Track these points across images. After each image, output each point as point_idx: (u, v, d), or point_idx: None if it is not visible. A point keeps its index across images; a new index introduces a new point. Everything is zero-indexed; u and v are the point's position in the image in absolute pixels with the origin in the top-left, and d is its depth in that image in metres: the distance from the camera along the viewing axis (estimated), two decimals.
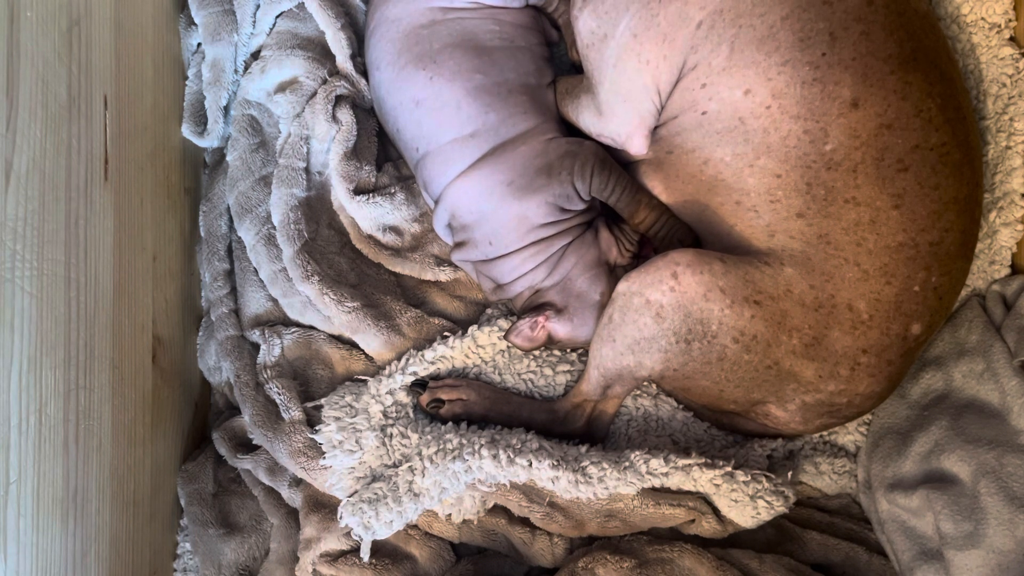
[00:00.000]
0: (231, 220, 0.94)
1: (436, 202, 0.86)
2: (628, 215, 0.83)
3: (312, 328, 0.89)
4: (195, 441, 0.96)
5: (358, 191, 0.90)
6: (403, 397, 0.84)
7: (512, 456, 0.77)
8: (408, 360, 0.85)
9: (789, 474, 0.82)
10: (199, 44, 0.95)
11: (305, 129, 0.90)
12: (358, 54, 0.93)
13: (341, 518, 0.79)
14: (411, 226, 0.92)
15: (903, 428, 0.83)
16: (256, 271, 0.91)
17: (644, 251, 0.87)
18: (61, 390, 0.68)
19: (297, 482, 0.88)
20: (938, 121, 0.69)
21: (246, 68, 0.94)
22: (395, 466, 0.81)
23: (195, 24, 0.94)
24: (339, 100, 0.90)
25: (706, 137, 0.75)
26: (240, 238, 0.92)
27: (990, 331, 0.81)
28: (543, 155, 0.82)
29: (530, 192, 0.81)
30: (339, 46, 0.91)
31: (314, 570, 0.82)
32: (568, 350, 0.89)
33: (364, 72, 0.92)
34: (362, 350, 0.88)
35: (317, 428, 0.82)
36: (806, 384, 0.75)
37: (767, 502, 0.78)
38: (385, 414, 0.83)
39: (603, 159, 0.82)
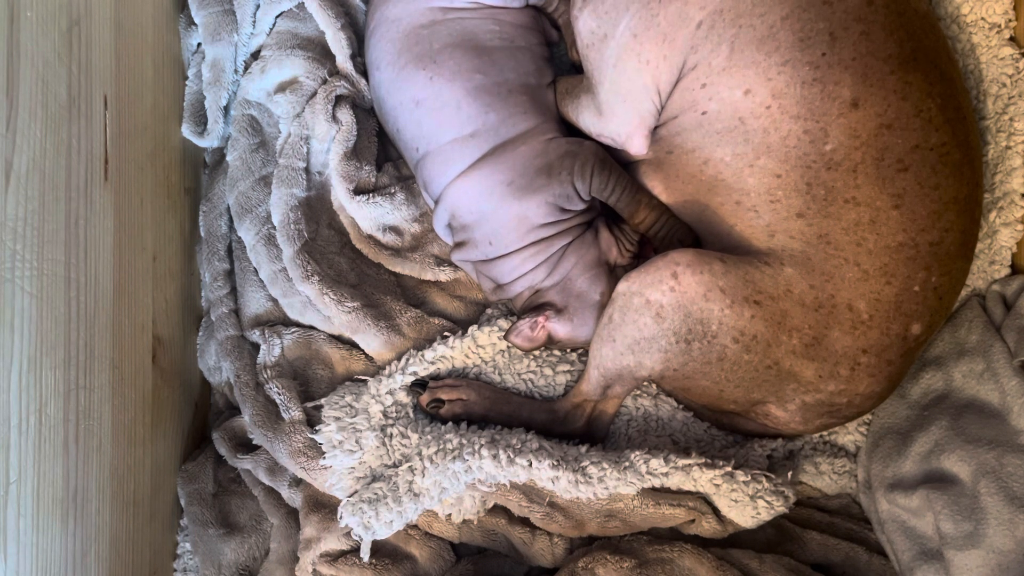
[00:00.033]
0: (231, 220, 0.94)
1: (436, 202, 0.86)
2: (628, 215, 0.83)
3: (312, 328, 0.89)
4: (195, 441, 0.96)
5: (358, 191, 0.90)
6: (403, 397, 0.84)
7: (512, 456, 0.77)
8: (408, 360, 0.85)
9: (789, 474, 0.82)
10: (199, 44, 0.95)
11: (305, 129, 0.90)
12: (358, 54, 0.93)
13: (341, 518, 0.79)
14: (411, 226, 0.92)
15: (903, 428, 0.83)
16: (256, 271, 0.91)
17: (644, 251, 0.87)
18: (61, 390, 0.68)
19: (297, 482, 0.88)
20: (938, 121, 0.69)
21: (246, 68, 0.94)
22: (395, 466, 0.81)
23: (195, 24, 0.94)
24: (339, 100, 0.90)
25: (706, 137, 0.75)
26: (240, 238, 0.92)
27: (990, 331, 0.81)
28: (543, 155, 0.82)
29: (530, 192, 0.81)
30: (339, 46, 0.91)
31: (314, 570, 0.82)
32: (568, 350, 0.89)
33: (364, 72, 0.92)
34: (362, 350, 0.88)
35: (317, 428, 0.82)
36: (806, 384, 0.75)
37: (767, 502, 0.78)
38: (385, 414, 0.83)
39: (603, 159, 0.82)
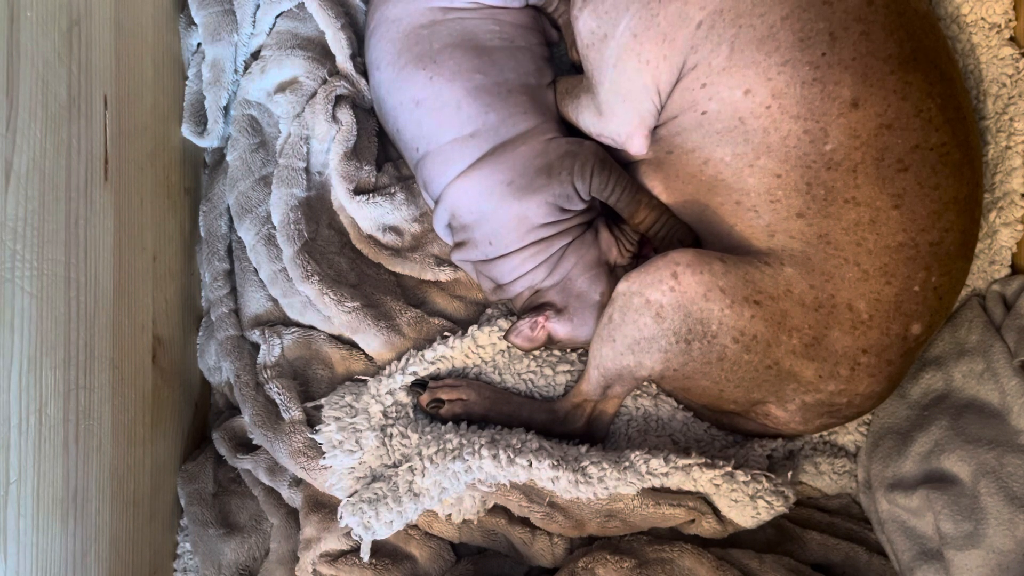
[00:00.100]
0: (231, 220, 0.94)
1: (436, 202, 0.86)
2: (628, 215, 0.83)
3: (312, 328, 0.89)
4: (195, 441, 0.96)
5: (358, 191, 0.90)
6: (403, 397, 0.84)
7: (512, 456, 0.77)
8: (408, 360, 0.85)
9: (789, 474, 0.82)
10: (199, 44, 0.95)
11: (305, 129, 0.90)
12: (358, 54, 0.93)
13: (341, 518, 0.79)
14: (411, 226, 0.92)
15: (903, 428, 0.83)
16: (256, 271, 0.91)
17: (644, 251, 0.87)
18: (61, 390, 0.68)
19: (297, 482, 0.88)
20: (938, 121, 0.69)
21: (246, 68, 0.94)
22: (395, 466, 0.81)
23: (195, 24, 0.94)
24: (339, 100, 0.90)
25: (706, 137, 0.75)
26: (240, 238, 0.92)
27: (990, 331, 0.81)
28: (543, 155, 0.82)
29: (530, 192, 0.81)
30: (339, 46, 0.91)
31: (314, 570, 0.82)
32: (568, 350, 0.89)
33: (364, 72, 0.92)
34: (362, 350, 0.88)
35: (317, 428, 0.82)
36: (806, 384, 0.75)
37: (767, 502, 0.78)
38: (385, 414, 0.83)
39: (603, 159, 0.82)
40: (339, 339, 0.89)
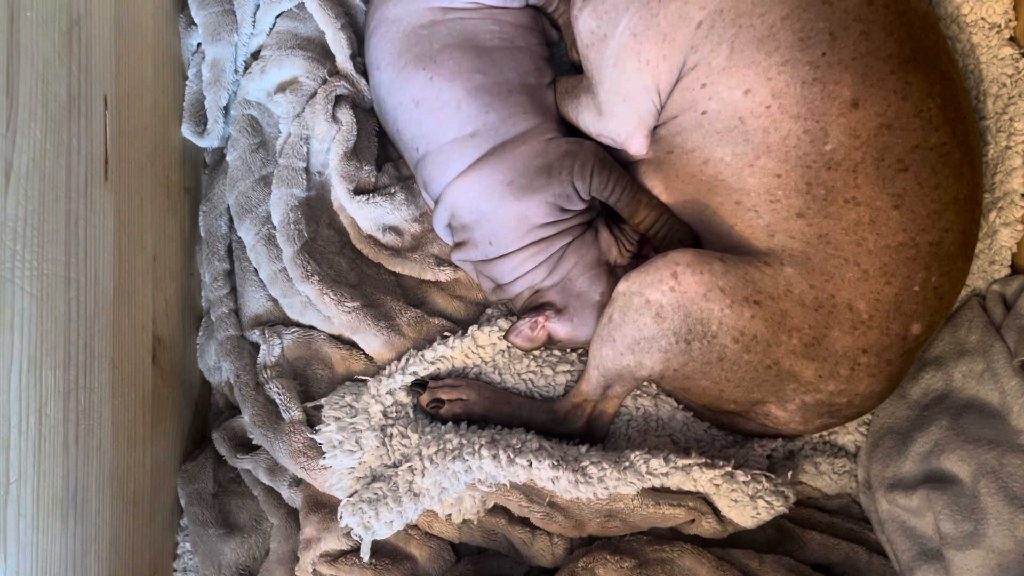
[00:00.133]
0: (231, 220, 0.94)
1: (436, 202, 0.86)
2: (628, 215, 0.83)
3: (312, 328, 0.89)
4: (195, 441, 0.96)
5: (358, 191, 0.90)
6: (403, 397, 0.84)
7: (512, 456, 0.77)
8: (408, 360, 0.85)
9: (789, 474, 0.82)
10: (199, 44, 0.95)
11: (305, 129, 0.90)
12: (358, 54, 0.93)
13: (341, 518, 0.79)
14: (411, 226, 0.92)
15: (903, 428, 0.83)
16: (256, 271, 0.91)
17: (644, 251, 0.87)
18: (61, 390, 0.68)
19: (297, 482, 0.87)
20: (938, 121, 0.69)
21: (246, 68, 0.94)
22: (395, 466, 0.81)
23: (195, 24, 0.94)
24: (339, 100, 0.90)
25: (706, 137, 0.75)
26: (240, 238, 0.92)
27: (990, 331, 0.81)
28: (543, 155, 0.82)
29: (530, 192, 0.81)
30: (339, 46, 0.91)
31: (314, 570, 0.82)
32: (568, 350, 0.89)
33: (364, 72, 0.92)
34: (362, 350, 0.88)
35: (317, 428, 0.82)
36: (806, 384, 0.75)
37: (767, 502, 0.78)
38: (385, 414, 0.83)
39: (603, 159, 0.82)
40: (339, 339, 0.89)
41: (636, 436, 0.86)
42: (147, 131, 0.86)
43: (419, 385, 0.86)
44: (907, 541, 0.78)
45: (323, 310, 0.86)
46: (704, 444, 0.86)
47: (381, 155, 0.95)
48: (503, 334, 0.86)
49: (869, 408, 0.78)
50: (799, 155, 0.70)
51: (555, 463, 0.77)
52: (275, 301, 0.90)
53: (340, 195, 0.90)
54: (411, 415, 0.85)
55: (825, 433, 0.88)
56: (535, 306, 0.84)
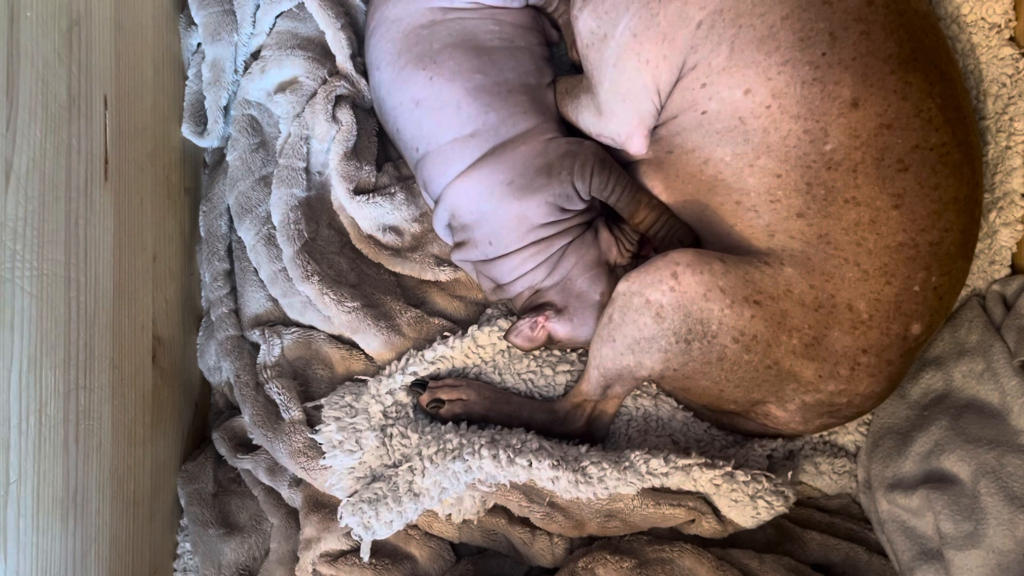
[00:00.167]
0: (231, 220, 0.94)
1: (436, 202, 0.86)
2: (628, 215, 0.83)
3: (312, 328, 0.89)
4: (195, 441, 0.96)
5: (358, 191, 0.90)
6: (403, 397, 0.84)
7: (512, 456, 0.77)
8: (408, 360, 0.85)
9: (789, 474, 0.82)
10: (199, 44, 0.95)
11: (305, 129, 0.90)
12: (358, 54, 0.93)
13: (341, 518, 0.79)
14: (411, 226, 0.92)
15: (903, 428, 0.83)
16: (256, 271, 0.91)
17: (644, 251, 0.87)
18: (61, 390, 0.68)
19: (297, 482, 0.87)
20: (938, 121, 0.69)
21: (246, 68, 0.94)
22: (395, 466, 0.81)
23: (195, 24, 0.94)
24: (339, 100, 0.90)
25: (706, 137, 0.75)
26: (240, 238, 0.92)
27: (990, 331, 0.81)
28: (543, 155, 0.82)
29: (530, 192, 0.81)
30: (339, 46, 0.91)
31: (314, 570, 0.82)
32: (568, 350, 0.89)
33: (364, 72, 0.92)
34: (362, 350, 0.88)
35: (317, 428, 0.82)
36: (806, 384, 0.75)
37: (767, 502, 0.78)
38: (385, 414, 0.83)
39: (603, 159, 0.82)
40: (339, 339, 0.89)
41: (636, 436, 0.86)
42: (147, 131, 0.86)
43: (419, 385, 0.86)
44: (907, 541, 0.78)
45: (323, 310, 0.86)
46: (704, 444, 0.86)
47: (381, 155, 0.95)
48: (503, 334, 0.86)
49: (869, 408, 0.78)
50: (799, 155, 0.71)
51: (555, 463, 0.77)
52: (275, 301, 0.90)
53: (340, 195, 0.90)
54: (411, 415, 0.85)
55: (825, 433, 0.88)
56: (535, 306, 0.84)
